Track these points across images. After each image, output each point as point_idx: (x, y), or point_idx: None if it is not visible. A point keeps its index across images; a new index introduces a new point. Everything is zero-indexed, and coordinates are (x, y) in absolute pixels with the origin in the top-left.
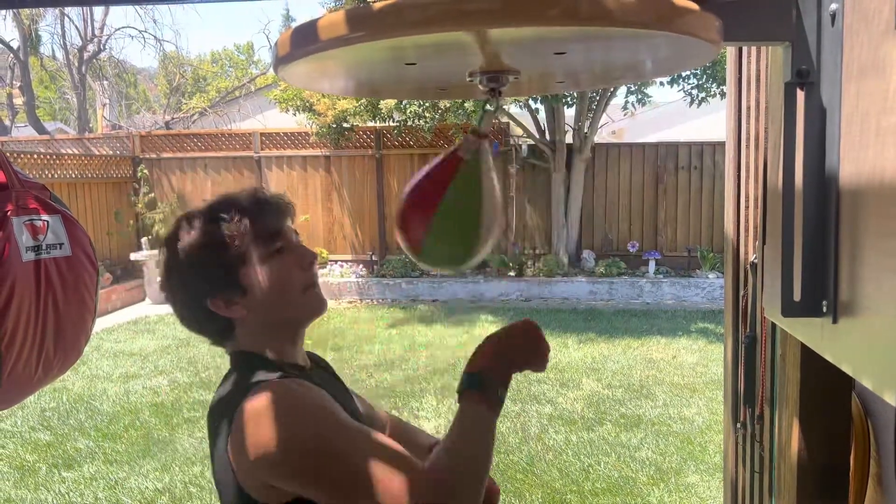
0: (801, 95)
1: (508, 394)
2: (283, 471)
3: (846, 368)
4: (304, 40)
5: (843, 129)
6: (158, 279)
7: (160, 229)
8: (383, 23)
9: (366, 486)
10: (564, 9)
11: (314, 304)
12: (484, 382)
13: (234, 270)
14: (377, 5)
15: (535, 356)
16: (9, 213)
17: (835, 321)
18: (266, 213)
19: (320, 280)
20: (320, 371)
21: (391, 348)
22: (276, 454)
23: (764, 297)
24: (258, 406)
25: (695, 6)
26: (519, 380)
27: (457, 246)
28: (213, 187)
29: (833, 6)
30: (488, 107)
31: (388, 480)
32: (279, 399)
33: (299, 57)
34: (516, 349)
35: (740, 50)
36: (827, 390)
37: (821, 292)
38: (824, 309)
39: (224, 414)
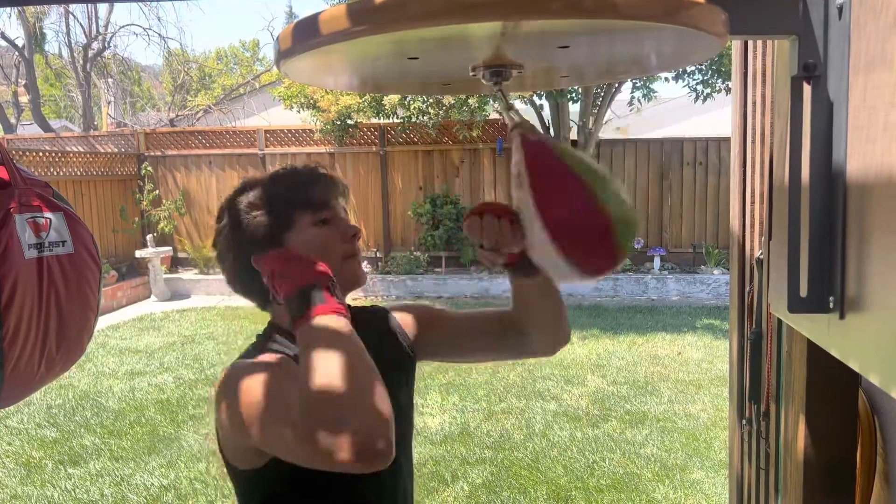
0: (807, 89)
1: (513, 390)
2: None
3: (853, 365)
4: (305, 34)
5: (851, 124)
6: (212, 240)
7: (166, 226)
8: (385, 16)
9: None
10: (569, 1)
11: (351, 275)
12: (325, 294)
13: (280, 233)
14: None
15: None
16: (11, 210)
17: (842, 317)
18: (318, 185)
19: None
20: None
21: None
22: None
23: (770, 293)
24: (226, 377)
25: None
26: (524, 377)
27: (631, 216)
28: (217, 184)
29: None
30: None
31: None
32: (226, 373)
33: (301, 51)
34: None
35: (746, 44)
36: (833, 387)
37: (827, 288)
38: (831, 305)
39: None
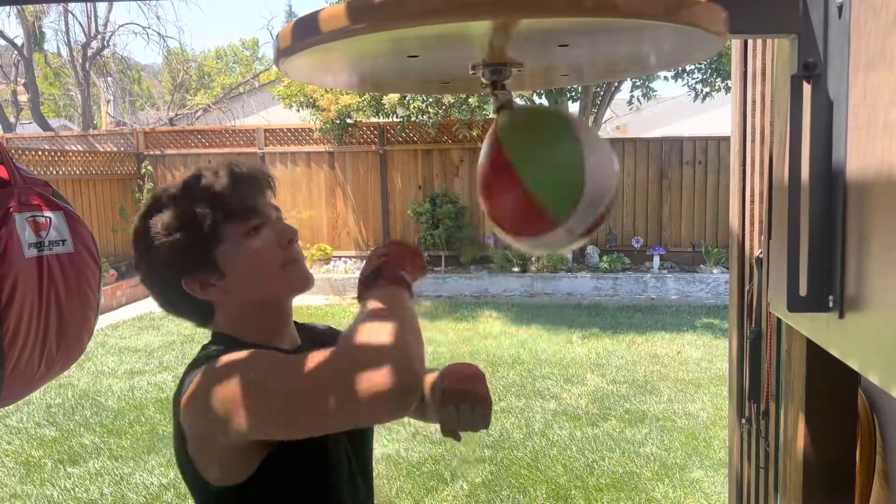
0: (807, 88)
1: (512, 389)
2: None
3: (852, 364)
4: (305, 32)
5: (850, 123)
6: (134, 266)
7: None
8: (384, 14)
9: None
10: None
11: (296, 280)
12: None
13: (208, 250)
14: None
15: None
16: (11, 209)
17: (841, 316)
18: (241, 189)
19: (327, 276)
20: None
21: None
22: (193, 421)
23: (769, 292)
24: (202, 380)
25: None
26: (523, 375)
27: (560, 166)
28: None
29: None
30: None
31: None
32: (199, 377)
33: (300, 49)
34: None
35: (745, 43)
36: (832, 386)
37: (827, 287)
38: (830, 304)
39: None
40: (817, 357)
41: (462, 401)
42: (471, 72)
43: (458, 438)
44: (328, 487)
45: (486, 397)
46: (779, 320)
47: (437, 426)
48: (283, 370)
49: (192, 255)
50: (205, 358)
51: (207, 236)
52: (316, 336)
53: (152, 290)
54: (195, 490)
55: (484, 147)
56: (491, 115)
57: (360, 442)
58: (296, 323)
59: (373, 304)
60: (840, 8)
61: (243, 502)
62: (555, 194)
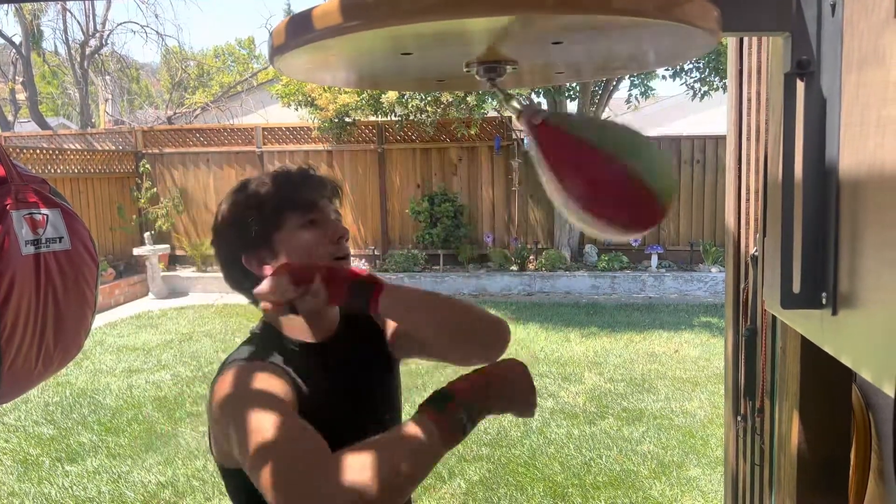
0: (801, 86)
1: None
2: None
3: (845, 360)
4: (299, 30)
5: (844, 120)
6: (211, 240)
7: (163, 224)
8: (378, 12)
9: (274, 471)
10: None
11: None
12: (450, 407)
13: (268, 232)
14: None
15: (521, 396)
16: (8, 206)
17: (834, 313)
18: (307, 186)
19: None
20: (336, 347)
21: None
22: (213, 420)
23: (764, 290)
24: (218, 382)
25: None
26: None
27: (659, 160)
28: (215, 182)
29: None
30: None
31: (298, 474)
32: (228, 380)
33: (294, 47)
34: (502, 386)
35: (741, 41)
36: (827, 383)
37: (820, 284)
38: (824, 301)
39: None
40: (811, 354)
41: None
42: (465, 70)
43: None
44: None
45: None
46: (774, 318)
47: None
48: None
49: (255, 234)
50: (240, 349)
51: (270, 219)
52: (351, 321)
53: (220, 263)
54: (227, 480)
55: (542, 147)
56: (490, 114)
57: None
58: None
59: (407, 430)
60: (833, 6)
61: (250, 484)
62: (661, 183)
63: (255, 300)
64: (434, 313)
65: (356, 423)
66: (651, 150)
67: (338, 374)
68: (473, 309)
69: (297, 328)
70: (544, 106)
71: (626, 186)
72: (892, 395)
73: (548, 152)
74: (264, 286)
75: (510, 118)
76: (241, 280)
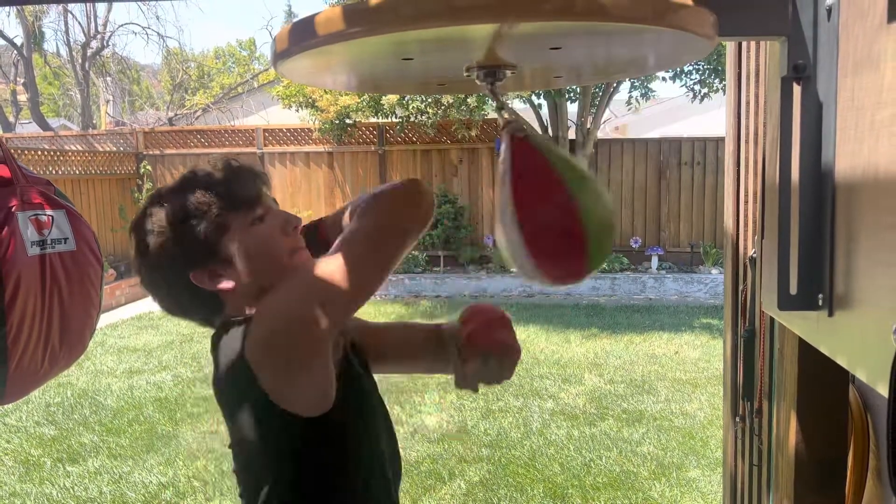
0: (797, 90)
1: (510, 389)
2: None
3: (841, 361)
4: (301, 36)
5: (839, 124)
6: (134, 268)
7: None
8: (380, 18)
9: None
10: (560, 4)
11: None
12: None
13: (215, 240)
14: (373, 1)
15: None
16: (13, 208)
17: (830, 314)
18: (242, 179)
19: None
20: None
21: None
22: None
23: (762, 292)
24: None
25: (688, 1)
26: (521, 375)
27: (610, 228)
28: None
29: (829, 1)
30: (502, 101)
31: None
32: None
33: (297, 52)
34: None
35: (740, 45)
36: (824, 384)
37: (817, 285)
38: (820, 302)
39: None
40: (809, 355)
41: (490, 353)
42: (465, 74)
43: (475, 391)
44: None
45: (517, 347)
46: (772, 319)
47: (454, 379)
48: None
49: (200, 245)
50: (234, 322)
51: (213, 226)
52: None
53: (156, 290)
54: (272, 430)
55: (514, 159)
56: (490, 116)
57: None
58: None
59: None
60: (829, 11)
61: (321, 434)
62: (596, 232)
63: (209, 317)
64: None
65: (356, 419)
66: (600, 195)
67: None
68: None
69: None
70: (545, 108)
71: (573, 234)
72: (886, 395)
73: (517, 169)
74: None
75: None
76: (190, 301)
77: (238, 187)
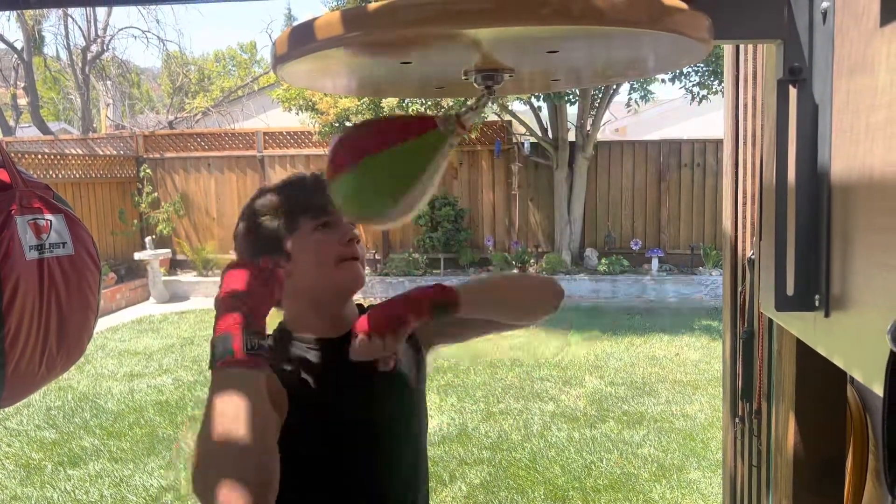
0: (793, 92)
1: (511, 391)
2: None
3: (838, 361)
4: (301, 40)
5: (835, 126)
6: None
7: (164, 228)
8: (378, 23)
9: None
10: (556, 8)
11: (346, 277)
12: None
13: (282, 237)
14: (372, 6)
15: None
16: (12, 212)
17: (827, 315)
18: (320, 191)
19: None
20: (325, 350)
21: None
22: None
23: (760, 293)
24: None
25: (684, 5)
26: (522, 378)
27: (371, 196)
28: (216, 187)
29: (825, 4)
30: (482, 102)
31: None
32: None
33: (296, 56)
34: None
35: (737, 47)
36: (822, 384)
37: (813, 286)
38: (817, 303)
39: None
40: (807, 356)
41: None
42: (463, 77)
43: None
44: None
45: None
46: (770, 320)
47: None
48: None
49: (270, 238)
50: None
51: (284, 224)
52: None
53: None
54: None
55: (408, 121)
56: (491, 118)
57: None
58: (359, 307)
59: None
60: (825, 14)
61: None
62: (342, 194)
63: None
64: (504, 308)
65: (368, 418)
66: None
67: (353, 368)
68: (532, 284)
69: (313, 325)
70: (545, 110)
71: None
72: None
73: (400, 123)
74: (358, 350)
75: (510, 122)
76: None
77: (314, 196)
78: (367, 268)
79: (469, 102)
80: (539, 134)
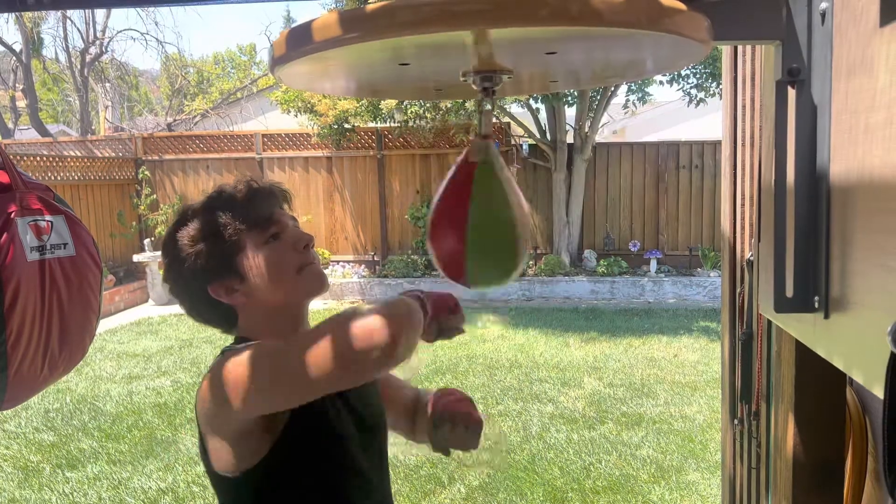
0: (792, 93)
1: (510, 393)
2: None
3: (837, 363)
4: (299, 41)
5: (834, 127)
6: (161, 275)
7: (163, 231)
8: (376, 24)
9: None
10: (554, 9)
11: (310, 283)
12: None
13: (231, 258)
14: (370, 7)
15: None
16: (13, 213)
17: (826, 316)
18: (259, 201)
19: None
20: None
21: None
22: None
23: (759, 294)
24: (213, 369)
25: (682, 6)
26: (521, 379)
27: (501, 260)
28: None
29: (823, 5)
30: (487, 107)
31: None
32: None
33: (295, 58)
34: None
35: (736, 49)
36: (821, 386)
37: (812, 288)
38: (816, 304)
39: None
40: (806, 357)
41: (458, 421)
42: (461, 79)
43: (447, 454)
44: (342, 458)
45: (479, 419)
46: (769, 322)
47: (428, 444)
48: (273, 347)
49: (217, 262)
50: (219, 356)
51: (230, 244)
52: None
53: (181, 299)
54: (218, 488)
55: (453, 176)
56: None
57: (368, 423)
58: None
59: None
60: (823, 15)
61: (262, 488)
62: (483, 276)
63: (227, 329)
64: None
65: (363, 414)
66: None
67: None
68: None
69: (278, 334)
70: (543, 112)
71: (455, 255)
72: (881, 397)
73: (452, 184)
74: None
75: (508, 124)
76: (208, 311)
77: (254, 208)
78: (366, 269)
79: (470, 108)
80: (537, 136)
